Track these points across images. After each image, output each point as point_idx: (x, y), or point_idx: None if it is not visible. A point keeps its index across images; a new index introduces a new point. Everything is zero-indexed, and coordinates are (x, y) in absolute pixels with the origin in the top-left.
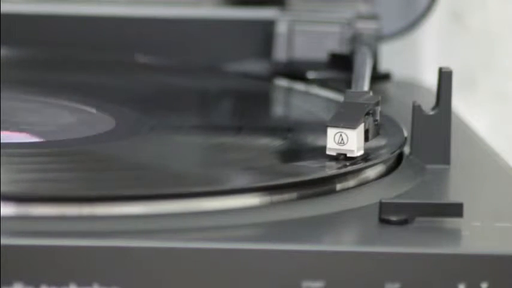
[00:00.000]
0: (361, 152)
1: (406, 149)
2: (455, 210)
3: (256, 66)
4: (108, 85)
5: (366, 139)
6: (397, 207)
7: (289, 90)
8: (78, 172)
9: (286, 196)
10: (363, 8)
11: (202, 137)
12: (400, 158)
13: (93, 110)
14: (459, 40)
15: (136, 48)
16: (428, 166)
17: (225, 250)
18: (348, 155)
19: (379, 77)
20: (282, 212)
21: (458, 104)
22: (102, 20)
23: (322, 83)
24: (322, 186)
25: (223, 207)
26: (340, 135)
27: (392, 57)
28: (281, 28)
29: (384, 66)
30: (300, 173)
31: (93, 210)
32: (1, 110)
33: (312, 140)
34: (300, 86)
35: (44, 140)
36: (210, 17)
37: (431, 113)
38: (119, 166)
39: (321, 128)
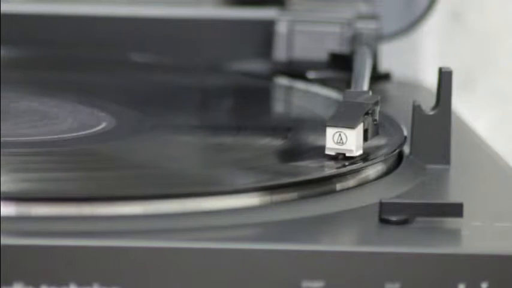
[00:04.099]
0: (360, 152)
1: (406, 149)
2: (455, 210)
3: (256, 66)
4: (108, 85)
5: (365, 139)
6: (397, 207)
7: (289, 89)
8: (78, 172)
9: (286, 196)
10: (363, 8)
11: (202, 136)
12: (400, 158)
13: (93, 110)
14: (459, 40)
15: (136, 48)
16: (428, 166)
17: (225, 250)
18: (347, 155)
19: (379, 77)
20: (282, 212)
21: (458, 104)
22: (102, 20)
23: (322, 83)
24: (322, 186)
25: (223, 207)
26: (339, 134)
27: (392, 57)
28: (281, 28)
29: (384, 66)
30: (299, 173)
31: (93, 210)
32: (1, 110)
33: (311, 139)
34: (300, 86)
35: (44, 140)
36: (210, 17)
37: (431, 113)
38: (119, 166)
39: (321, 128)
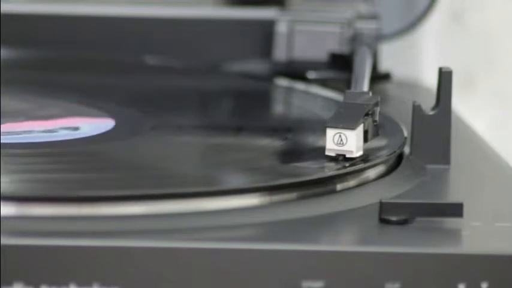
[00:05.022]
0: (360, 153)
1: (406, 149)
2: (455, 210)
3: (256, 66)
4: (108, 85)
5: (365, 140)
6: (397, 207)
7: (289, 90)
8: (78, 172)
9: (286, 196)
10: (363, 8)
11: (202, 137)
12: (400, 158)
13: (93, 110)
14: (459, 40)
15: (136, 48)
16: (428, 166)
17: (225, 250)
18: (347, 156)
19: (379, 77)
20: (282, 212)
21: (458, 104)
22: (102, 20)
23: (322, 83)
24: (322, 187)
25: (223, 207)
26: (340, 136)
27: (392, 57)
28: (281, 28)
29: (384, 66)
30: (299, 174)
31: (93, 210)
32: (1, 110)
33: (311, 140)
34: (300, 86)
35: (44, 140)
36: (210, 17)
37: (431, 113)
38: (119, 166)
39: (321, 129)
